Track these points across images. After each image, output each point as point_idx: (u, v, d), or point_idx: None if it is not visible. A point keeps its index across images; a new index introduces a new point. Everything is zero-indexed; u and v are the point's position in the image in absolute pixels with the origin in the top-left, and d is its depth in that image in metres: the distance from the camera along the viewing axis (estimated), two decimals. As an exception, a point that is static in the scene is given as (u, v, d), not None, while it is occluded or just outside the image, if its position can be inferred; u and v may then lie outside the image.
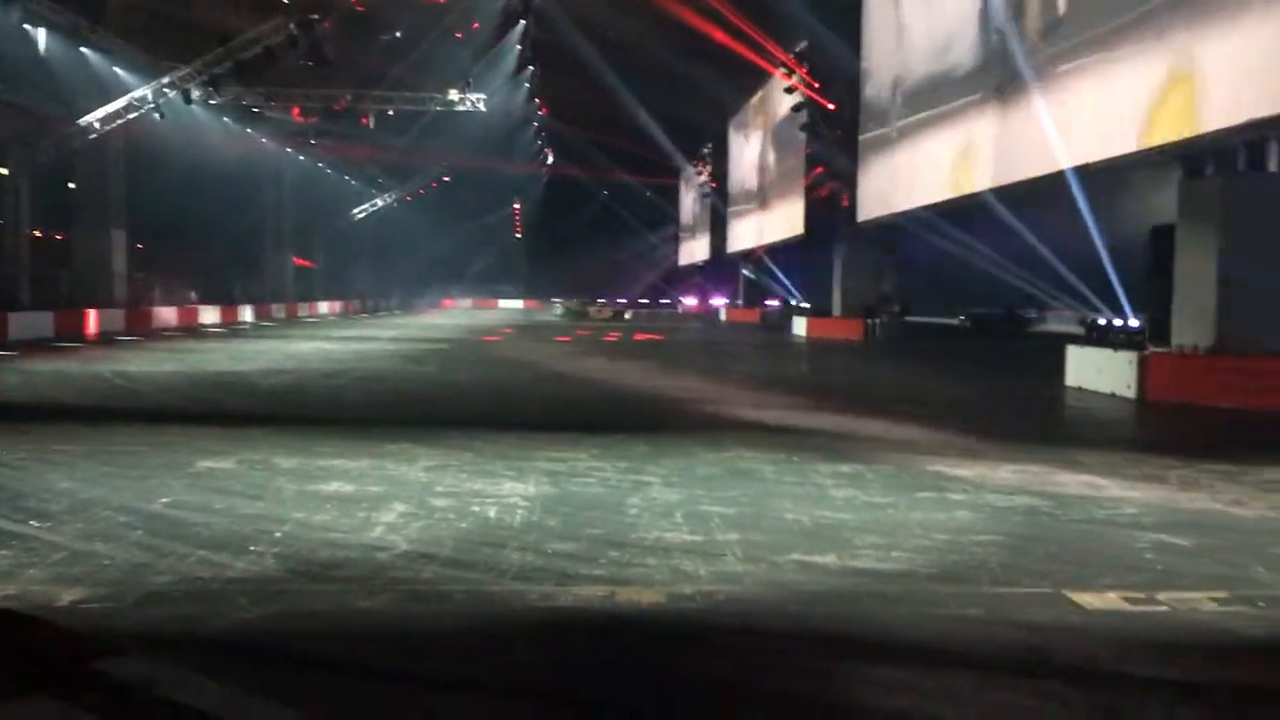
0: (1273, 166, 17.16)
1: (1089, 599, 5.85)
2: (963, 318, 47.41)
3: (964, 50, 26.82)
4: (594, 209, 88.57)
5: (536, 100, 53.93)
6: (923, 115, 29.75)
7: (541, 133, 63.85)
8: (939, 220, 30.16)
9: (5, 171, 32.61)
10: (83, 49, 32.22)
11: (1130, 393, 17.30)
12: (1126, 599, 5.90)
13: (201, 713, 2.18)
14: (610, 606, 5.63)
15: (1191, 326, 17.31)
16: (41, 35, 30.40)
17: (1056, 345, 21.82)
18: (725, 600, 5.77)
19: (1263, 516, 8.23)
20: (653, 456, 10.52)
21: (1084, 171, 20.21)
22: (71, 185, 37.68)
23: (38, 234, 35.42)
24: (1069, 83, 21.07)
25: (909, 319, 41.59)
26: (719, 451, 10.91)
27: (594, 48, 46.58)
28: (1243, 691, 4.74)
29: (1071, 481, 9.54)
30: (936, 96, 28.73)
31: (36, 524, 7.24)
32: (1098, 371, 18.75)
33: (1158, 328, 18.93)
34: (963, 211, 28.02)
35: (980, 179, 25.40)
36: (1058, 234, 27.57)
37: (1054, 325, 40.60)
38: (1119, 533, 7.59)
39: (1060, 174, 20.86)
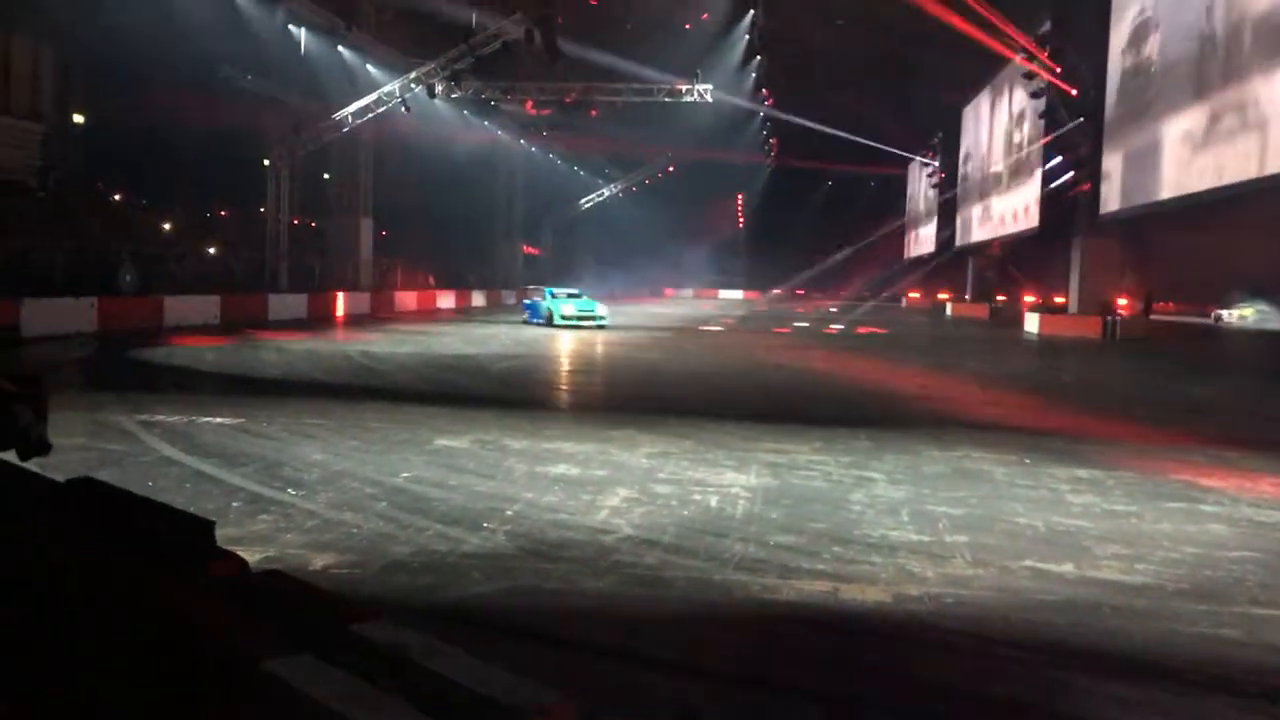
0: None
1: (1363, 628, 5.34)
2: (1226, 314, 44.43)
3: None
4: (818, 200, 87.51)
5: (763, 90, 53.66)
6: (1187, 91, 27.75)
7: (767, 123, 63.53)
8: (1194, 211, 28.00)
9: (269, 163, 35.24)
10: (339, 47, 34.36)
11: None
12: None
13: (454, 681, 2.26)
14: (833, 602, 5.55)
15: None
16: (303, 35, 32.61)
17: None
18: (953, 604, 5.58)
19: None
20: (876, 452, 10.30)
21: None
22: (325, 176, 40.35)
23: (295, 222, 38.10)
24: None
25: (1153, 317, 39.03)
26: (946, 450, 10.57)
27: (823, 36, 45.97)
28: None
29: (1343, 499, 8.72)
30: (1202, 69, 26.72)
31: (293, 492, 7.79)
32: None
33: None
34: (1226, 201, 25.75)
35: (1272, 161, 23.00)
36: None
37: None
38: (1400, 558, 6.88)
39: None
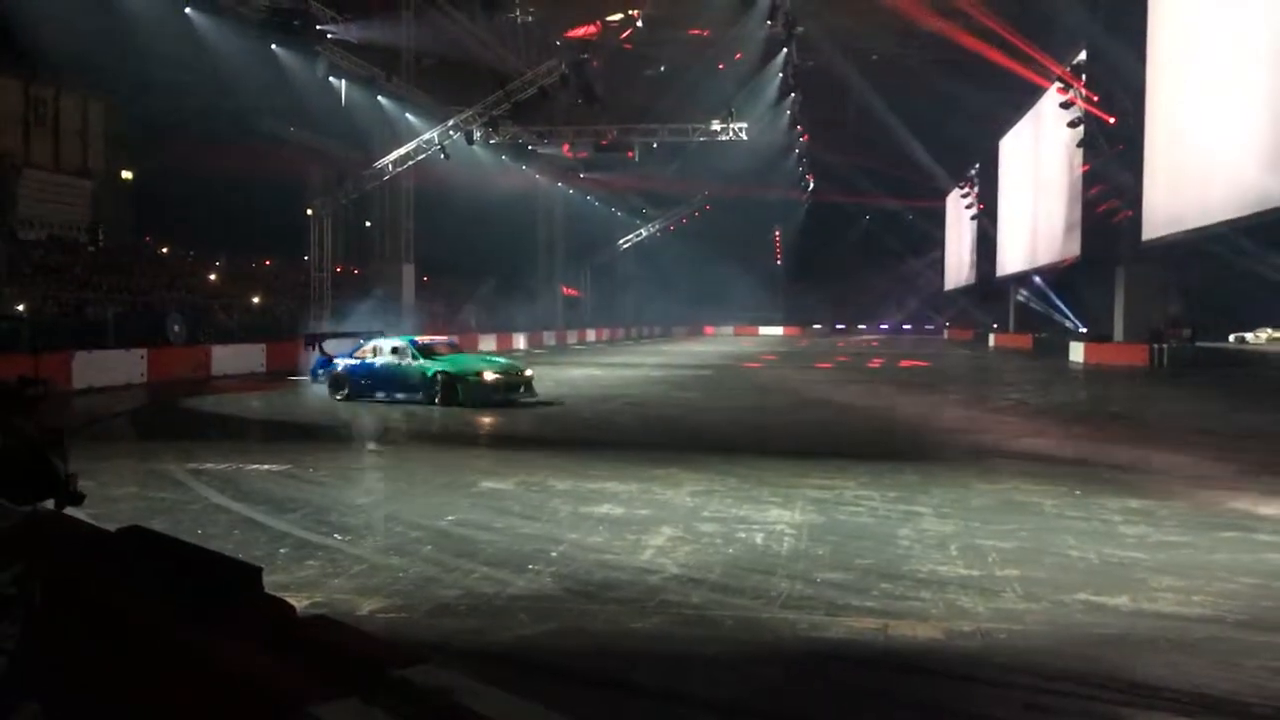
0: None
1: None
2: None
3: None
4: (856, 234, 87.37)
5: (798, 127, 53.82)
6: (1220, 122, 27.51)
7: (803, 159, 63.67)
8: (1241, 237, 27.63)
9: (311, 212, 35.81)
10: (379, 97, 34.94)
11: None
12: None
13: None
14: (883, 640, 5.47)
15: None
16: (343, 86, 33.20)
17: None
18: (1006, 639, 5.48)
19: None
20: (923, 486, 10.19)
21: None
22: (368, 223, 40.92)
23: (338, 269, 38.62)
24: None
25: (1200, 344, 38.41)
26: (994, 483, 10.44)
27: (857, 72, 46.10)
28: None
29: (1406, 525, 8.49)
30: (1239, 90, 26.45)
31: (339, 537, 7.83)
32: None
33: None
34: (1272, 227, 25.42)
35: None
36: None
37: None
38: None
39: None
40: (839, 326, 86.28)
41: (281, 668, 2.65)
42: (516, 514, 8.76)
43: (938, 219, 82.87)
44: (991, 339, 59.04)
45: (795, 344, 62.04)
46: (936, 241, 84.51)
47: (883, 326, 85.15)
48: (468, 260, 49.19)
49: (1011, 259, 57.20)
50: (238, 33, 28.25)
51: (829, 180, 70.97)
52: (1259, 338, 46.38)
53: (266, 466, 11.25)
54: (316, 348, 21.58)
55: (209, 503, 9.22)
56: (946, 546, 7.55)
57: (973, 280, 69.13)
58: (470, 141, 36.77)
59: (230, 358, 27.64)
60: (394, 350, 19.60)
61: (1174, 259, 35.21)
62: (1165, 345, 35.09)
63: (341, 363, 20.05)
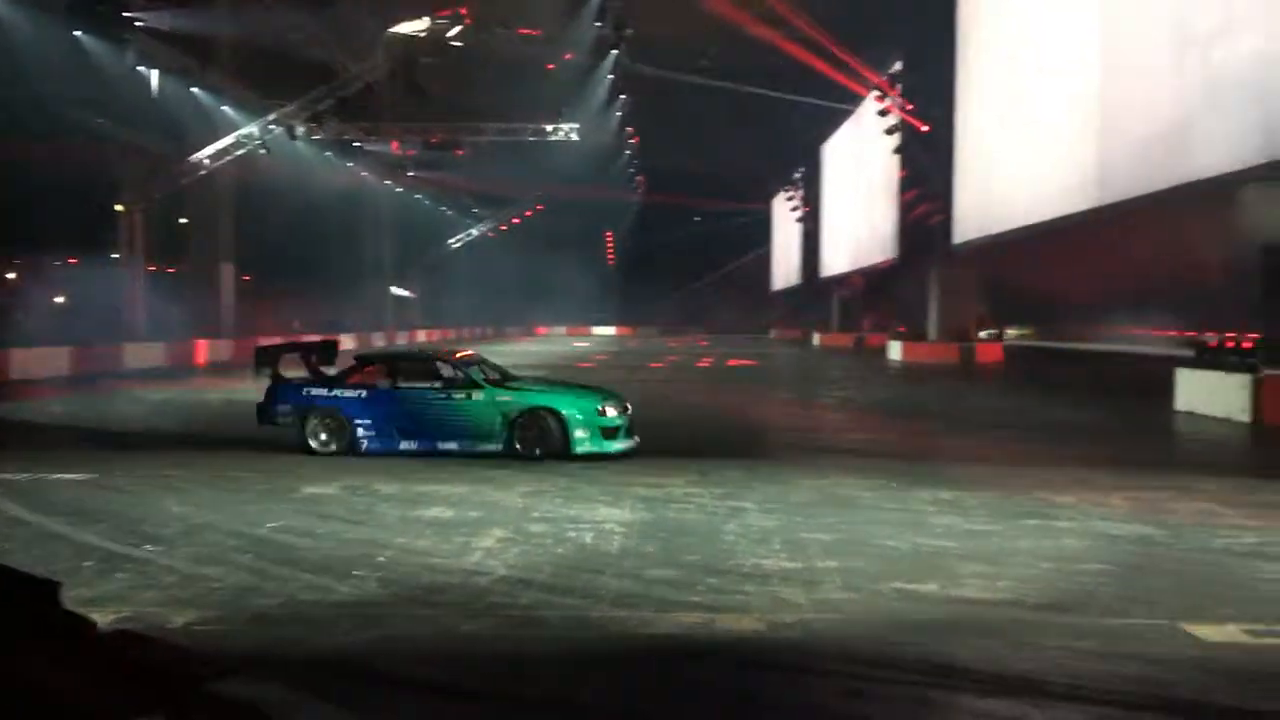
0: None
1: (1207, 631, 5.63)
2: None
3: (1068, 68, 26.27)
4: (686, 236, 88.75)
5: (629, 128, 54.30)
6: (1023, 131, 29.17)
7: (634, 160, 64.29)
8: (1043, 242, 29.39)
9: (120, 208, 33.99)
10: (194, 89, 33.48)
11: (1245, 416, 16.66)
12: (1247, 631, 5.65)
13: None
14: (709, 634, 5.58)
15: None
16: (154, 76, 31.66)
17: (1161, 368, 21.09)
18: (825, 628, 5.68)
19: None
20: (749, 482, 10.45)
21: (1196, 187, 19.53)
22: (183, 220, 39.14)
23: (152, 268, 36.80)
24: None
25: (1006, 343, 40.67)
26: (816, 477, 10.79)
27: (686, 75, 46.77)
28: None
29: (1186, 509, 9.19)
30: (1039, 112, 28.14)
31: (150, 548, 7.47)
32: (1209, 395, 18.09)
33: (1274, 349, 18.17)
34: (1064, 232, 27.23)
35: (1085, 196, 24.66)
36: (1166, 253, 26.75)
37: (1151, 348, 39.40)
38: (1238, 562, 7.29)
39: (1176, 189, 20.18)
40: (671, 327, 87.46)
41: (78, 685, 2.52)
42: (341, 519, 8.54)
43: (766, 221, 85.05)
44: (817, 338, 60.94)
45: (627, 344, 62.58)
46: (765, 243, 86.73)
47: (713, 326, 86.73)
48: (292, 259, 47.63)
49: (835, 260, 59.22)
50: (36, 17, 26.59)
51: (660, 182, 71.84)
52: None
53: (71, 476, 10.64)
54: (267, 369, 13.51)
55: (5, 515, 8.65)
56: (770, 541, 7.76)
57: (799, 281, 71.20)
58: (293, 137, 35.65)
59: (31, 361, 25.96)
60: (430, 372, 12.94)
61: (982, 261, 37.13)
62: (974, 344, 37.02)
63: (323, 394, 12.85)
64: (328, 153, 43.50)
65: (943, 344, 38.00)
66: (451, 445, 12.32)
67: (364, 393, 12.61)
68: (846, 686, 4.87)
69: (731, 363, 38.48)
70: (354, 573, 6.76)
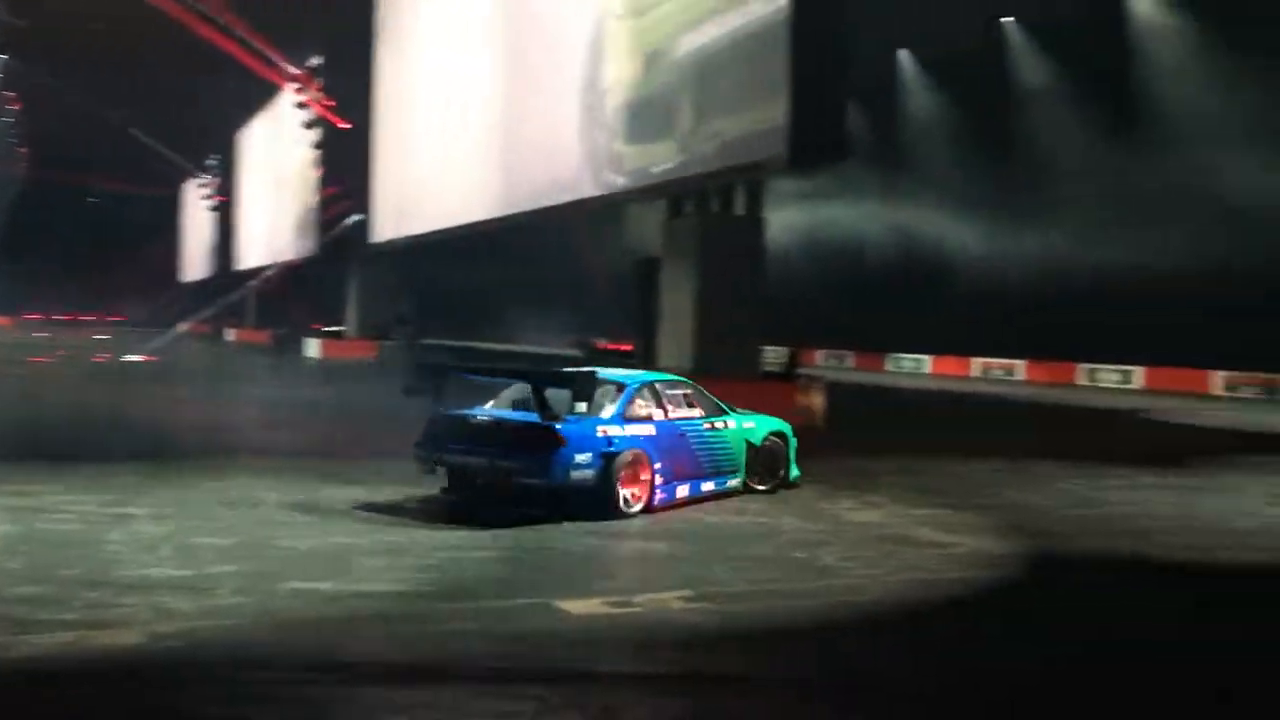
0: (739, 209, 19.43)
1: (575, 606, 6.28)
2: None
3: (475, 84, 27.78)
4: (83, 217, 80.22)
5: (8, 92, 48.00)
6: (439, 140, 30.33)
7: (14, 129, 56.84)
8: (464, 246, 30.83)
9: None
10: None
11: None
12: (609, 603, 6.40)
13: None
14: (79, 652, 5.15)
15: (674, 350, 19.12)
16: None
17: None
18: (214, 635, 5.51)
19: (725, 522, 9.23)
20: (144, 487, 9.78)
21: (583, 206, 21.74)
22: None
23: None
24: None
25: (426, 341, 41.93)
26: (219, 479, 10.36)
27: (83, 43, 42.32)
28: (702, 678, 5.31)
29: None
30: (453, 126, 29.42)
31: None
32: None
33: (649, 351, 20.63)
34: (480, 238, 28.86)
35: (489, 207, 26.32)
36: (563, 264, 29.42)
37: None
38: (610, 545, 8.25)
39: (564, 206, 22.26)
40: (64, 318, 78.39)
41: None
42: None
43: (175, 208, 79.63)
44: (231, 333, 58.27)
45: (4, 336, 55.14)
46: (174, 230, 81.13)
47: (115, 318, 79.29)
48: None
49: (252, 253, 57.19)
50: None
51: (48, 155, 64.24)
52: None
53: None
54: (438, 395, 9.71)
55: None
56: (159, 548, 7.32)
57: (212, 273, 67.65)
58: None
59: None
60: (678, 395, 10.14)
61: (401, 261, 38.03)
62: (393, 341, 37.71)
63: (611, 433, 9.02)
64: None
65: (361, 341, 38.27)
66: (708, 487, 10.00)
67: (649, 433, 9.40)
68: (231, 691, 4.78)
69: (134, 358, 35.50)
70: None
